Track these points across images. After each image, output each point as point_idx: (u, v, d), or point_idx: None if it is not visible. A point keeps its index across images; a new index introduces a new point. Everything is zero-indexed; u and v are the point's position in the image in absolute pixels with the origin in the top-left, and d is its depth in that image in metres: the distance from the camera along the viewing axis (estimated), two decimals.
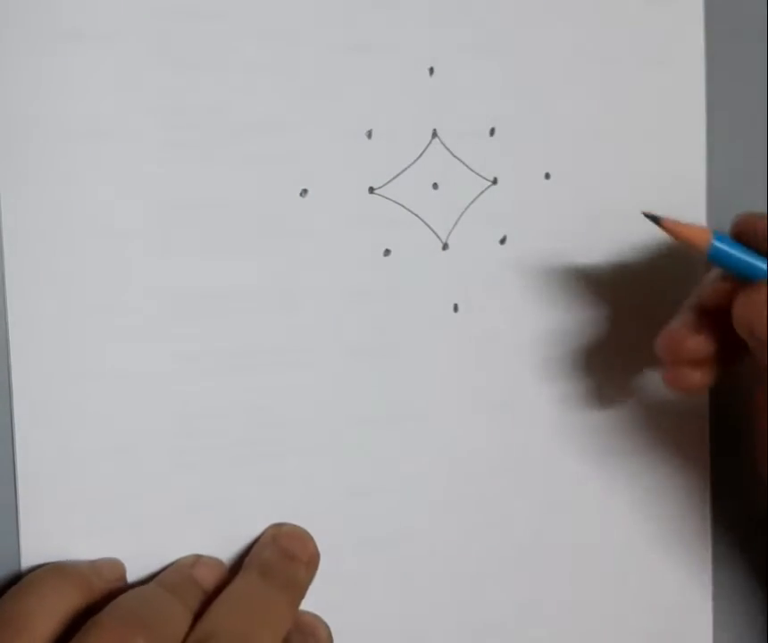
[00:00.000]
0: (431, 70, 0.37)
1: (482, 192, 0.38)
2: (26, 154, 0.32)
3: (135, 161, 0.34)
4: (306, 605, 0.35)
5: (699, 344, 0.35)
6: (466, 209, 0.38)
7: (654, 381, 0.40)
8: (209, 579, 0.34)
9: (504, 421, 0.39)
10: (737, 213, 0.34)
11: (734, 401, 0.41)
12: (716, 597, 0.42)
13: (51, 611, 0.31)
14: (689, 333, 0.35)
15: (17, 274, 0.33)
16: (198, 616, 0.32)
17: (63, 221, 0.33)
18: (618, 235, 0.40)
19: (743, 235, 0.34)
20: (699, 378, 0.36)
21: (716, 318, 0.35)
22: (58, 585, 0.31)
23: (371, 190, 0.37)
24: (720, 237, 0.33)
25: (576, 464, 0.40)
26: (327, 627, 0.36)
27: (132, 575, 0.34)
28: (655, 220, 0.34)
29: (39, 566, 0.33)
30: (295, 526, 0.36)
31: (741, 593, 0.42)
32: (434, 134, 0.38)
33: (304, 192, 0.36)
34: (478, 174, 0.38)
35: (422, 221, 0.38)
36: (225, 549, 0.35)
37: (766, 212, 0.35)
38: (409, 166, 0.37)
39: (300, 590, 0.35)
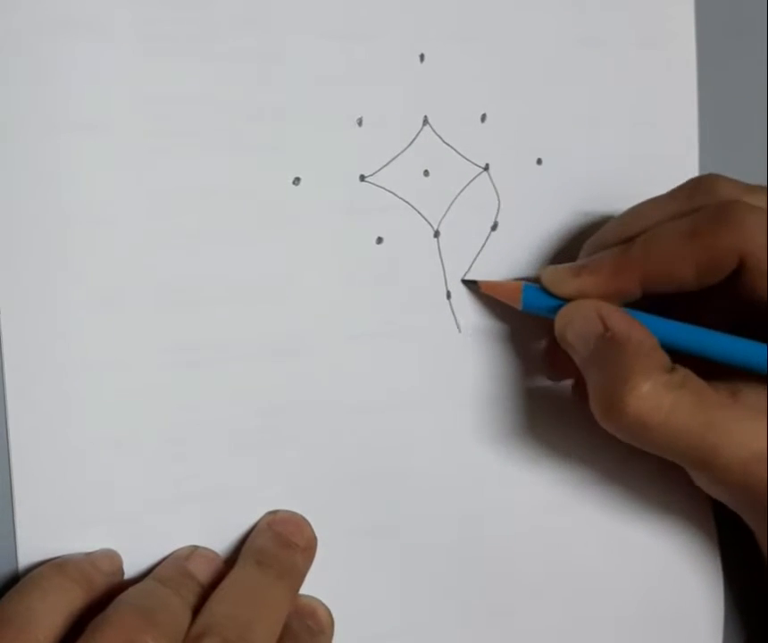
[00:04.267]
0: (422, 57, 0.37)
1: (474, 178, 0.38)
2: (13, 146, 0.32)
3: (123, 152, 0.34)
4: (305, 591, 0.35)
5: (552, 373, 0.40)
6: (458, 196, 0.38)
7: None
8: (205, 571, 0.34)
9: (500, 407, 0.39)
10: (546, 268, 0.37)
11: None
12: (727, 597, 0.42)
13: (53, 608, 0.31)
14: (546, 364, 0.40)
15: (7, 268, 0.32)
16: (196, 610, 0.32)
17: (53, 214, 0.33)
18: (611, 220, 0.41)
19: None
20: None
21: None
22: (59, 582, 0.31)
23: (362, 178, 0.37)
24: (529, 290, 0.37)
25: (577, 455, 0.40)
26: (327, 608, 0.36)
27: (129, 568, 0.34)
28: (472, 284, 0.38)
29: (37, 564, 0.33)
30: (291, 512, 0.36)
31: (750, 592, 0.43)
32: (425, 121, 0.38)
33: (296, 180, 0.36)
34: (469, 161, 0.38)
35: (414, 208, 0.38)
36: (222, 539, 0.36)
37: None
38: (400, 153, 0.37)
39: (298, 577, 0.35)
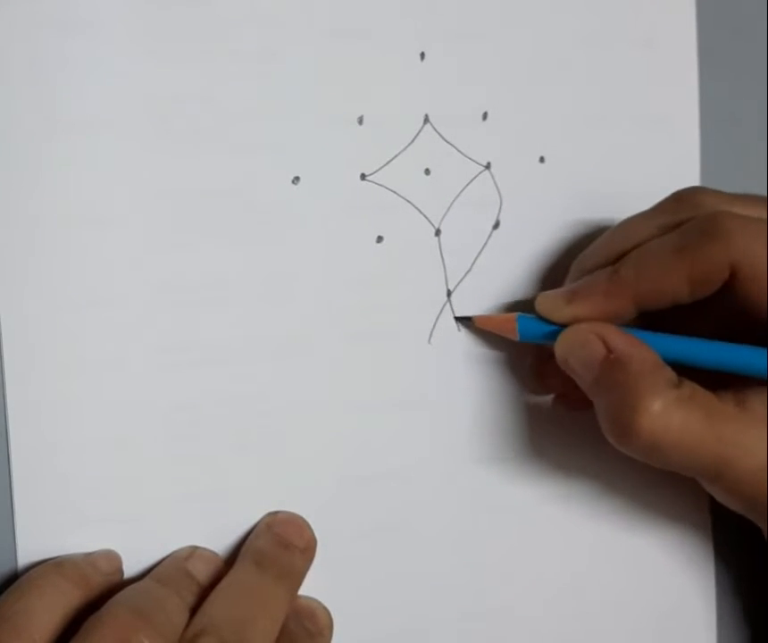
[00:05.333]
0: (422, 56, 0.37)
1: (475, 177, 0.38)
2: (12, 146, 0.32)
3: (123, 152, 0.34)
4: (304, 592, 0.35)
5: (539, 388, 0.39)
6: (459, 194, 0.38)
7: None
8: (204, 571, 0.34)
9: (502, 405, 0.39)
10: (539, 295, 0.36)
11: None
12: (719, 598, 0.42)
13: (50, 608, 0.31)
14: (533, 379, 0.39)
15: (6, 268, 0.33)
16: (194, 610, 0.32)
17: (53, 214, 0.33)
18: (613, 218, 0.40)
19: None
20: (573, 402, 0.38)
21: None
22: (56, 581, 0.32)
23: (363, 177, 0.37)
24: (524, 321, 0.37)
25: (574, 456, 0.40)
26: (326, 610, 0.36)
27: (128, 567, 0.34)
28: (466, 320, 0.38)
29: (36, 563, 0.33)
30: (290, 513, 0.36)
31: (744, 593, 0.42)
32: (426, 119, 0.37)
33: (296, 180, 0.36)
34: (470, 159, 0.38)
35: (415, 207, 0.38)
36: (221, 540, 0.36)
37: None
38: (401, 152, 0.37)
39: (297, 578, 0.35)
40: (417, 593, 0.38)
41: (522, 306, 0.39)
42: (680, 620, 0.42)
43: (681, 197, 0.36)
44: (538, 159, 0.39)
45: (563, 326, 0.35)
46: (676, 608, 0.41)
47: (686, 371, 0.34)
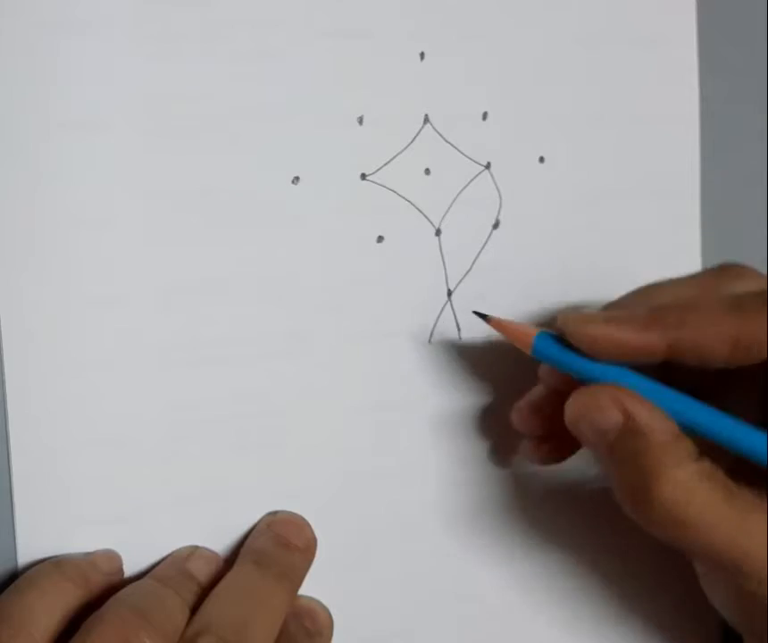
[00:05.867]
0: (422, 55, 0.37)
1: (475, 177, 0.38)
2: (12, 146, 0.32)
3: (123, 152, 0.34)
4: (304, 592, 0.35)
5: (537, 424, 0.37)
6: (459, 194, 0.38)
7: None
8: (204, 571, 0.34)
9: (502, 404, 0.39)
10: (561, 313, 0.35)
11: None
12: None
13: (50, 607, 0.31)
14: (529, 412, 0.37)
15: (7, 268, 0.33)
16: (195, 609, 0.32)
17: (53, 214, 0.33)
18: (614, 218, 0.40)
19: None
20: (547, 451, 0.37)
21: (557, 397, 0.35)
22: (56, 581, 0.32)
23: (363, 177, 0.37)
24: (542, 338, 0.34)
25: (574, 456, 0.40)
26: (326, 609, 0.36)
27: (128, 567, 0.34)
28: (483, 317, 0.36)
29: (36, 563, 0.33)
30: (290, 513, 0.36)
31: None
32: (426, 119, 0.37)
33: (296, 180, 0.36)
34: (470, 159, 0.38)
35: (415, 206, 0.38)
36: (222, 539, 0.36)
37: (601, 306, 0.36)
38: (401, 152, 0.37)
39: (296, 578, 0.35)
40: (417, 593, 0.38)
41: (521, 309, 0.39)
42: None
43: (728, 269, 0.35)
44: (537, 159, 0.39)
45: (585, 351, 0.33)
46: None
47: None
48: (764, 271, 0.35)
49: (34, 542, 0.33)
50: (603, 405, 0.32)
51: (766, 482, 0.31)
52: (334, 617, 0.36)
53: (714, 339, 0.32)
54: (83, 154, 0.33)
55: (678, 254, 0.41)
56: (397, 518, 0.38)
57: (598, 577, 0.40)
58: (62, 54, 0.33)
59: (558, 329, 0.34)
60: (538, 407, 0.36)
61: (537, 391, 0.37)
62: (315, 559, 0.36)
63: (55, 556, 0.33)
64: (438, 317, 0.38)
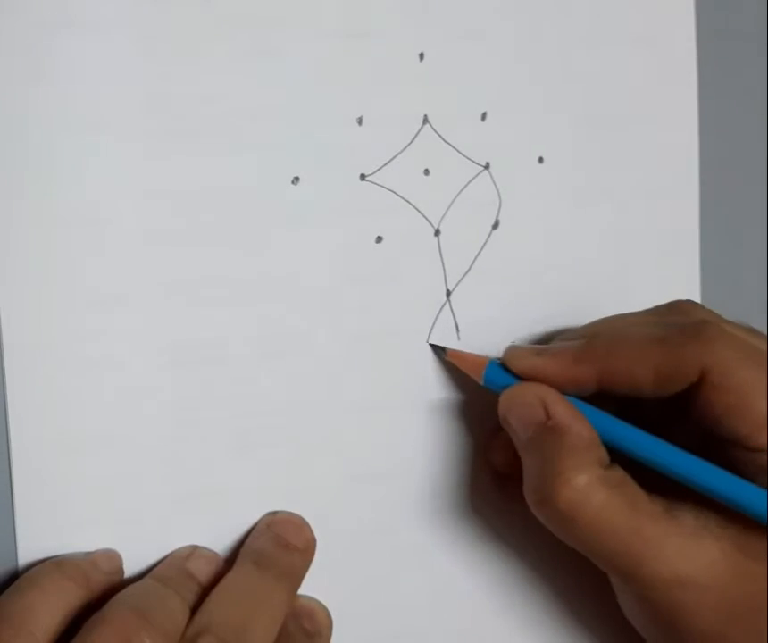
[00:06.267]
0: (421, 56, 0.37)
1: (474, 177, 0.38)
2: (12, 146, 0.32)
3: (123, 152, 0.34)
4: (304, 592, 0.35)
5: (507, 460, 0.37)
6: (458, 194, 0.38)
7: None
8: (204, 571, 0.34)
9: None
10: (510, 346, 0.36)
11: None
12: None
13: (51, 607, 0.31)
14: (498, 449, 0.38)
15: (7, 267, 0.33)
16: (195, 609, 0.32)
17: (53, 214, 0.33)
18: (614, 218, 0.40)
19: None
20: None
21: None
22: (57, 581, 0.32)
23: (363, 177, 0.37)
24: (492, 368, 0.36)
25: None
26: (325, 610, 0.36)
27: (128, 567, 0.34)
28: (440, 349, 0.38)
29: (37, 562, 0.33)
30: (290, 513, 0.36)
31: None
32: (425, 120, 0.37)
33: (296, 180, 0.36)
34: (469, 159, 0.38)
35: (414, 207, 0.38)
36: (222, 539, 0.36)
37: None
38: (400, 152, 0.37)
39: (296, 578, 0.35)
40: (416, 593, 0.38)
41: (520, 309, 0.39)
42: None
43: (675, 305, 0.36)
44: (537, 159, 0.39)
45: (524, 380, 0.35)
46: None
47: (626, 466, 0.33)
48: (764, 271, 0.35)
49: (34, 542, 0.33)
50: (529, 399, 0.34)
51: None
52: (333, 617, 0.36)
53: (639, 369, 0.33)
54: (83, 154, 0.33)
55: (677, 255, 0.41)
56: (397, 518, 0.38)
57: (592, 576, 0.40)
58: (63, 54, 0.33)
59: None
60: (507, 445, 0.36)
61: (504, 433, 0.37)
62: (315, 559, 0.36)
63: (56, 556, 0.33)
64: (437, 317, 0.38)
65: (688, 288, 0.42)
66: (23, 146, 0.32)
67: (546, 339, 0.39)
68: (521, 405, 0.34)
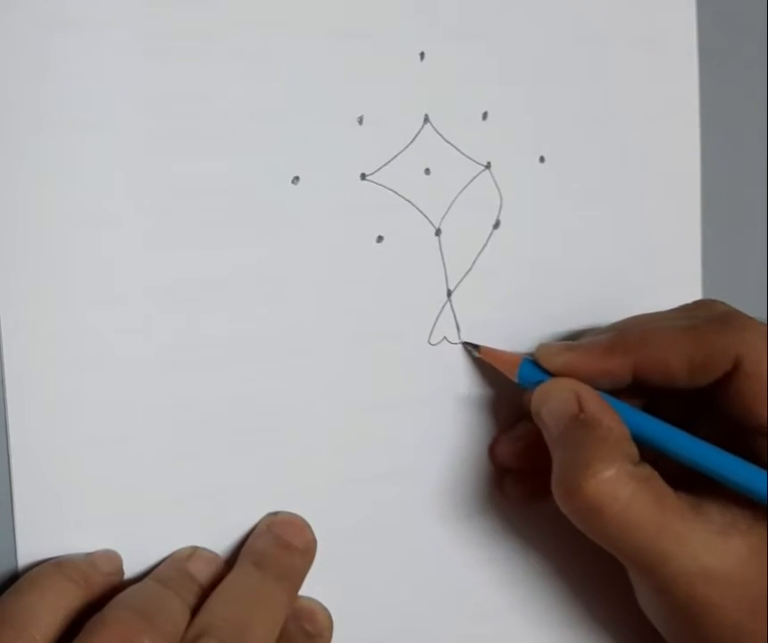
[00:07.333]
0: (422, 56, 0.37)
1: (475, 177, 0.38)
2: (12, 145, 0.32)
3: (123, 152, 0.33)
4: (304, 592, 0.35)
5: (519, 454, 0.38)
6: (459, 194, 0.38)
7: None
8: (205, 572, 0.34)
9: (502, 404, 0.39)
10: (541, 344, 0.37)
11: None
12: None
13: (51, 608, 0.31)
14: (511, 442, 0.39)
15: (7, 268, 0.32)
16: (195, 610, 0.32)
17: (53, 214, 0.33)
18: (614, 218, 0.40)
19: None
20: (529, 486, 0.38)
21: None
22: (57, 581, 0.32)
23: (363, 177, 0.37)
24: (526, 365, 0.36)
25: None
26: (326, 611, 0.36)
27: (128, 567, 0.34)
28: (474, 348, 0.38)
29: (36, 563, 0.33)
30: (290, 514, 0.36)
31: None
32: (426, 119, 0.37)
33: (296, 180, 0.36)
34: (470, 159, 0.38)
35: (415, 206, 0.38)
36: (221, 540, 0.36)
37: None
38: (401, 152, 0.37)
39: (296, 579, 0.35)
40: (417, 593, 0.38)
41: (520, 309, 0.39)
42: None
43: (700, 303, 0.37)
44: (538, 159, 0.39)
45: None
46: None
47: (655, 463, 0.33)
48: (765, 271, 0.36)
49: (34, 543, 0.33)
50: (563, 393, 0.34)
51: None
52: (334, 617, 0.36)
53: (672, 359, 0.34)
54: (83, 154, 0.33)
55: (678, 255, 0.41)
56: (397, 518, 0.38)
57: (597, 577, 0.40)
58: (62, 54, 0.33)
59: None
60: (521, 436, 0.37)
61: (521, 426, 0.38)
62: (315, 560, 0.36)
63: (56, 557, 0.33)
64: (438, 317, 0.38)
65: (689, 287, 0.42)
66: (21, 146, 0.32)
67: (550, 339, 0.39)
68: (555, 400, 0.34)
